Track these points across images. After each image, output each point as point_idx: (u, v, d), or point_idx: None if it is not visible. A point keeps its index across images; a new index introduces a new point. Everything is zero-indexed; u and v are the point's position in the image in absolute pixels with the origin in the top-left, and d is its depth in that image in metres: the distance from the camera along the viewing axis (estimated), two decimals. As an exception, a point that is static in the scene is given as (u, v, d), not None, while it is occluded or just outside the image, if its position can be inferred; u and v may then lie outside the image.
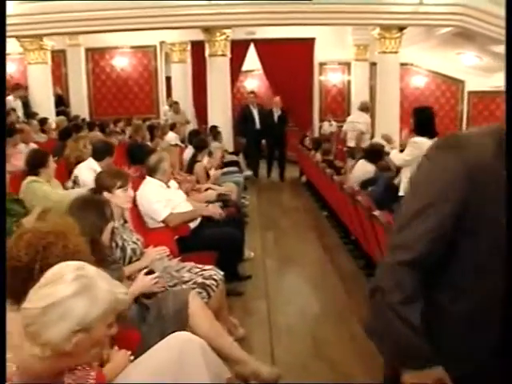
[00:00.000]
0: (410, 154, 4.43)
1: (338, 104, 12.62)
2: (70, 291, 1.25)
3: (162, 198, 3.85)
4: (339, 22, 9.34)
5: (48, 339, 1.23)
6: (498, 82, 11.90)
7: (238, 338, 3.12)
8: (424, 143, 4.43)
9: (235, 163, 8.21)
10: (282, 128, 9.49)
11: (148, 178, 3.99)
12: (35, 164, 3.82)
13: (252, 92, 10.27)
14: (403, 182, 4.58)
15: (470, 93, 12.82)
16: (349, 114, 11.14)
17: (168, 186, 4.05)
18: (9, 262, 1.48)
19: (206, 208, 4.09)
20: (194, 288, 2.85)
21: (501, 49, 9.73)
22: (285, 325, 3.70)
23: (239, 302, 3.95)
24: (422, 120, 4.46)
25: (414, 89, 12.82)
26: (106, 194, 2.77)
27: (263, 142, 9.61)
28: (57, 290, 1.25)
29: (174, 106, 10.70)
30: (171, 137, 8.43)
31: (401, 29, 9.16)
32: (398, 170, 5.06)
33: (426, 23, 9.22)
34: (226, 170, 6.80)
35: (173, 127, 9.08)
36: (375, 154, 6.11)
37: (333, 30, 10.95)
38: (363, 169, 6.00)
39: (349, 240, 5.49)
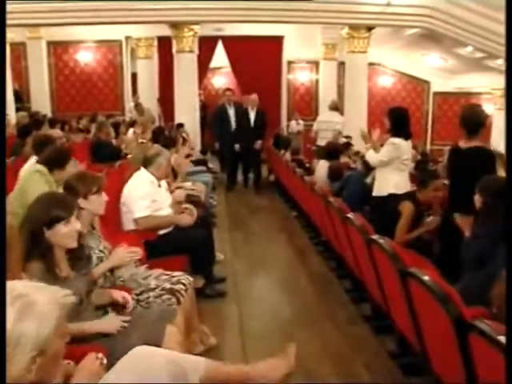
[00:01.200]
0: (387, 154, 4.38)
1: (306, 103, 12.61)
2: (12, 317, 1.12)
3: (149, 197, 3.70)
4: (308, 20, 9.29)
5: (9, 377, 1.09)
6: (461, 83, 12.16)
7: (210, 346, 3.03)
8: (402, 144, 4.42)
9: (203, 162, 8.08)
10: (259, 131, 8.30)
11: (142, 170, 3.84)
12: (54, 161, 3.51)
13: (228, 89, 9.05)
14: (378, 182, 4.55)
15: (435, 93, 13.04)
16: (317, 113, 11.16)
17: (159, 185, 3.91)
18: None
19: (182, 217, 3.92)
20: (161, 295, 2.73)
21: (465, 51, 9.91)
22: (256, 328, 3.62)
23: (210, 306, 3.84)
24: (398, 121, 4.43)
25: (381, 88, 12.95)
26: (81, 201, 2.56)
27: (236, 146, 8.26)
28: None
29: (138, 106, 10.29)
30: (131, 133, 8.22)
31: (369, 29, 9.20)
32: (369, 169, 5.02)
33: (394, 24, 9.29)
34: (194, 169, 6.65)
35: (133, 124, 8.85)
36: (333, 153, 6.15)
37: (302, 29, 10.92)
38: (324, 169, 6.00)
39: (319, 241, 5.45)
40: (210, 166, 8.68)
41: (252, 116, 8.21)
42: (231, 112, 8.46)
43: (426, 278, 2.20)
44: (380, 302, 3.31)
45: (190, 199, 4.67)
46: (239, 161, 8.57)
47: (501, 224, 2.65)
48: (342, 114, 9.02)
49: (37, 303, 1.17)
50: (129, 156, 5.96)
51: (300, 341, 3.37)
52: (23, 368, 1.12)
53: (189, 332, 2.77)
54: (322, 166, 6.11)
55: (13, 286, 1.21)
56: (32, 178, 3.41)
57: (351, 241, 3.65)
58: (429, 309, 2.24)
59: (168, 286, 2.78)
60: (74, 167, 3.69)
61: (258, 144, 8.24)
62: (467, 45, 9.25)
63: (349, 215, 3.51)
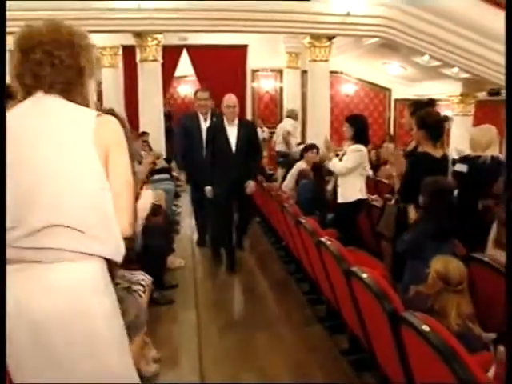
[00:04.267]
0: (354, 161, 4.47)
1: (271, 111, 12.79)
2: None
3: None
4: (270, 30, 9.46)
5: None
6: (420, 90, 12.52)
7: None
8: (365, 150, 4.58)
9: (166, 170, 8.12)
10: (250, 161, 4.98)
11: None
12: None
13: (202, 90, 5.82)
14: (343, 189, 4.61)
15: (396, 100, 13.39)
16: (281, 121, 11.34)
17: None
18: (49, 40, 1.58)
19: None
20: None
21: (422, 60, 10.26)
22: (214, 334, 3.70)
23: (169, 312, 3.91)
24: (360, 128, 4.58)
25: (345, 96, 13.23)
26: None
27: (208, 189, 4.98)
28: None
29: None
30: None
31: (330, 38, 9.42)
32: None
33: (354, 33, 9.54)
34: (157, 177, 6.70)
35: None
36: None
37: (265, 38, 11.09)
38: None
39: (280, 246, 5.57)
40: (175, 173, 8.72)
41: (233, 134, 4.87)
42: (204, 128, 5.37)
43: (364, 275, 2.33)
44: (332, 302, 3.44)
45: (151, 207, 4.72)
46: (217, 216, 5.06)
47: (434, 222, 2.84)
48: (302, 121, 9.22)
49: None
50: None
51: (257, 343, 3.49)
52: None
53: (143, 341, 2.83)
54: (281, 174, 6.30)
55: None
56: None
57: (305, 244, 3.78)
58: (368, 304, 2.37)
59: (126, 284, 2.82)
60: None
61: (250, 187, 4.87)
62: (424, 54, 9.57)
63: (301, 219, 3.64)
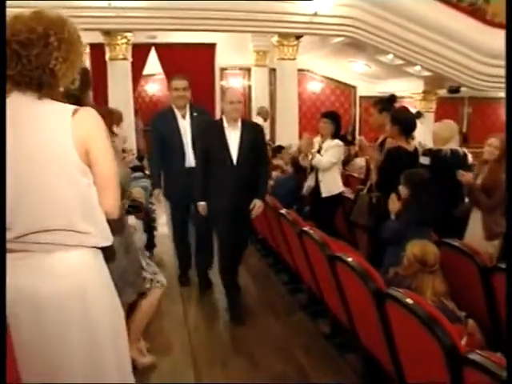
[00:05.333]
0: (337, 155, 4.77)
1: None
2: None
3: None
4: (239, 29, 9.58)
5: None
6: (385, 88, 12.91)
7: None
8: (343, 145, 4.86)
9: (139, 168, 8.14)
10: (257, 173, 3.89)
11: None
12: None
13: (184, 88, 4.40)
14: (325, 183, 4.80)
15: (361, 97, 13.76)
16: (250, 119, 11.49)
17: None
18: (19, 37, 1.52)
19: None
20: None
21: (386, 58, 10.60)
22: (202, 326, 3.83)
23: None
24: (339, 124, 4.83)
25: (311, 93, 13.50)
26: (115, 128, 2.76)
27: (201, 205, 3.94)
28: None
29: None
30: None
31: (297, 37, 9.63)
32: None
33: (320, 33, 9.77)
34: (132, 175, 6.74)
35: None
36: None
37: (233, 36, 11.21)
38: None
39: (257, 239, 5.73)
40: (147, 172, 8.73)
41: (234, 140, 3.79)
42: (184, 126, 4.38)
43: (349, 259, 2.52)
44: (314, 289, 3.64)
45: (133, 204, 4.81)
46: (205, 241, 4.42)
47: (419, 211, 3.08)
48: (271, 119, 9.36)
49: None
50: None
51: (244, 332, 3.65)
52: None
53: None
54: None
55: None
56: None
57: (286, 235, 3.95)
58: (353, 287, 2.56)
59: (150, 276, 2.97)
60: None
61: (257, 208, 3.87)
62: (388, 53, 9.90)
63: (282, 211, 3.82)
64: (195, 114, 4.39)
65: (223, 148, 3.74)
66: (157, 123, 4.53)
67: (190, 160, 4.29)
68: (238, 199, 3.72)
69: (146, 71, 11.51)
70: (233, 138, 3.76)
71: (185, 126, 4.39)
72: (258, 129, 4.02)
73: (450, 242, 3.08)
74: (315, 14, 8.96)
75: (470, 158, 4.92)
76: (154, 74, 12.51)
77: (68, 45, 1.61)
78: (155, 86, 13.12)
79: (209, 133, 3.87)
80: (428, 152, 4.28)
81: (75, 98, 1.86)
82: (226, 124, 3.77)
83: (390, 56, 10.16)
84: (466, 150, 4.52)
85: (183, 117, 4.40)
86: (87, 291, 1.68)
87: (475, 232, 3.77)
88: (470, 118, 13.45)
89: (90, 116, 1.65)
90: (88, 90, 2.34)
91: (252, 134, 3.79)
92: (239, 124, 3.79)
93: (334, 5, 9.00)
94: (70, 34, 1.61)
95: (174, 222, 4.67)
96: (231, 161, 3.73)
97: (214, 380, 3.02)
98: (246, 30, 9.86)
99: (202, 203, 3.88)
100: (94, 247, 1.70)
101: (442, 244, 3.06)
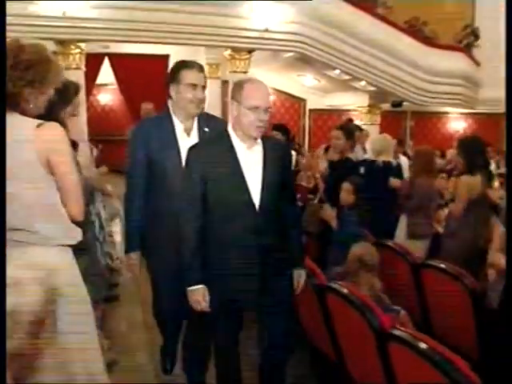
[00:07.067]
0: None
1: (193, 119, 13.11)
2: None
3: None
4: (192, 42, 9.84)
5: None
6: (333, 101, 13.51)
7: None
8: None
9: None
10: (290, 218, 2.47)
11: None
12: None
13: (204, 86, 2.89)
14: None
15: (310, 110, 14.28)
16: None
17: None
18: None
19: None
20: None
21: (334, 73, 11.12)
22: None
23: (113, 309, 4.16)
24: (288, 136, 5.17)
25: (263, 106, 13.88)
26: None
27: (204, 304, 2.32)
28: None
29: None
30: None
31: (249, 51, 9.99)
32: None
33: (271, 48, 10.15)
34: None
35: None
36: None
37: (187, 49, 11.43)
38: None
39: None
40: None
41: (254, 169, 2.32)
42: (183, 145, 2.66)
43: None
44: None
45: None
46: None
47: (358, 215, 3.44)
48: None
49: None
50: None
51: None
52: None
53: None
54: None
55: None
56: None
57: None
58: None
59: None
60: None
61: (302, 281, 2.45)
62: (335, 68, 10.41)
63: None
64: (206, 130, 2.74)
65: (236, 181, 2.28)
66: (142, 139, 2.73)
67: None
68: (266, 272, 2.27)
69: (98, 81, 11.56)
70: (251, 164, 2.31)
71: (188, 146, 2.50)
72: (285, 149, 2.64)
73: (384, 242, 3.44)
74: (266, 30, 9.34)
75: (405, 168, 5.39)
76: (106, 84, 12.55)
77: (41, 61, 1.91)
78: (107, 95, 13.15)
79: (210, 156, 2.30)
80: (363, 162, 4.82)
81: (48, 113, 2.07)
82: (239, 143, 2.32)
83: (338, 71, 10.68)
84: (401, 161, 5.01)
85: (187, 133, 2.72)
86: (51, 286, 1.92)
87: (401, 232, 4.21)
88: (413, 130, 14.21)
89: (52, 130, 1.91)
90: (65, 106, 2.55)
91: (277, 160, 2.38)
92: (259, 143, 2.36)
93: (284, 22, 9.42)
94: (29, 57, 1.88)
95: (162, 316, 2.94)
96: (251, 202, 2.27)
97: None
98: (199, 43, 10.11)
99: (199, 288, 2.29)
100: (61, 245, 1.98)
101: (377, 244, 3.41)
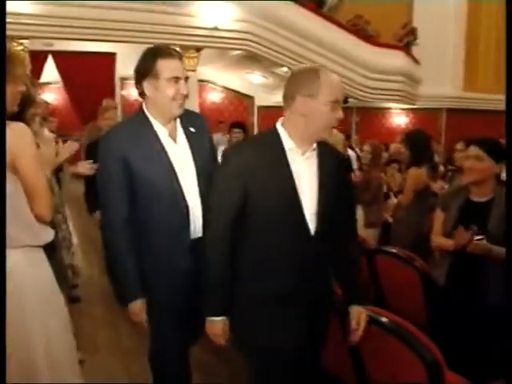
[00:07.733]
0: None
1: (142, 118, 12.98)
2: None
3: None
4: (139, 40, 9.73)
5: None
6: (281, 98, 13.73)
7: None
8: None
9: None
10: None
11: None
12: None
13: (186, 78, 2.19)
14: None
15: (259, 107, 14.47)
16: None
17: None
18: None
19: None
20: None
21: (281, 71, 11.34)
22: (124, 325, 4.02)
23: (76, 309, 4.13)
24: (247, 134, 5.31)
25: (211, 104, 13.96)
26: None
27: None
28: None
29: None
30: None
31: (198, 49, 10.03)
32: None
33: (219, 46, 10.23)
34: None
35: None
36: None
37: (134, 46, 11.28)
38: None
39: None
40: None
41: (309, 184, 1.86)
42: (179, 156, 2.16)
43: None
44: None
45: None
46: None
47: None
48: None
49: None
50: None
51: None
52: None
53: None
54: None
55: None
56: None
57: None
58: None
59: None
60: None
61: (363, 321, 1.94)
62: (283, 65, 10.63)
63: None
64: (192, 130, 2.24)
65: (288, 199, 1.82)
66: (119, 155, 2.09)
67: (197, 227, 2.15)
68: (317, 313, 1.94)
69: (42, 79, 11.24)
70: (305, 178, 1.85)
71: (180, 155, 2.17)
72: (342, 160, 2.21)
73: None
74: (215, 28, 9.42)
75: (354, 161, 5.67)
76: (50, 83, 12.22)
77: (10, 56, 1.90)
78: (52, 95, 12.81)
79: (253, 166, 1.82)
80: None
81: (14, 115, 2.06)
82: (294, 149, 1.87)
83: (285, 69, 10.89)
84: (350, 154, 5.24)
85: (173, 138, 2.18)
86: (25, 286, 1.97)
87: (358, 222, 4.44)
88: (358, 126, 14.67)
89: (17, 131, 1.89)
90: (29, 107, 2.54)
91: (334, 173, 1.91)
92: (315, 149, 1.90)
93: (232, 20, 9.53)
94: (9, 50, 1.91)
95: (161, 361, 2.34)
96: (306, 228, 1.83)
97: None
98: (146, 41, 9.94)
99: (219, 320, 1.88)
100: (28, 246, 2.00)
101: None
